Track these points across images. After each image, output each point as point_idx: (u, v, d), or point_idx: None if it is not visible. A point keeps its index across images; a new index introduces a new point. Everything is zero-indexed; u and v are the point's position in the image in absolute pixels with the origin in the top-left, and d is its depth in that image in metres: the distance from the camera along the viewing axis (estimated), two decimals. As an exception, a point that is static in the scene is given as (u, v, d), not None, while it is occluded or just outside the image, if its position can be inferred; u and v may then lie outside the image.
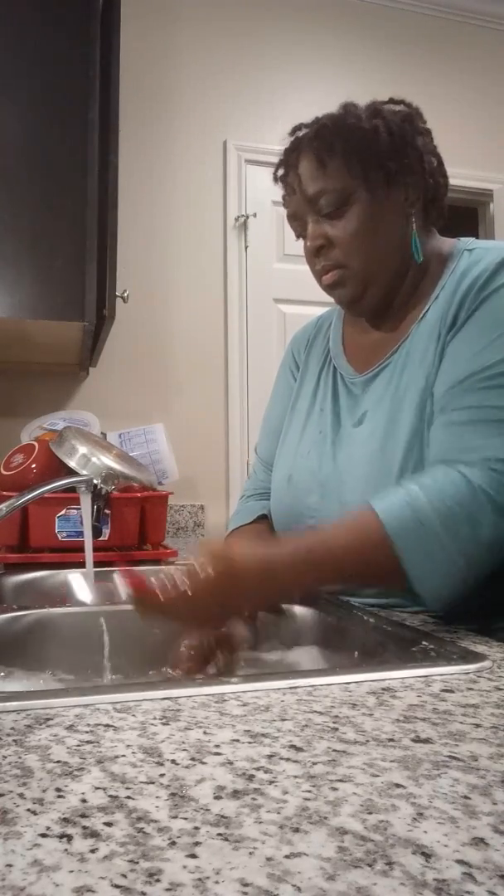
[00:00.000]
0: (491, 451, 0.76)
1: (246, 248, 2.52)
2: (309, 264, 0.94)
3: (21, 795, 0.38)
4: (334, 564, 0.77)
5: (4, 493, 1.41)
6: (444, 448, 0.80)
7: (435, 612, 0.81)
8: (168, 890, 0.29)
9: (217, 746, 0.45)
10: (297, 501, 0.96)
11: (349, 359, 1.00)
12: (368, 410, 0.92)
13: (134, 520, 1.55)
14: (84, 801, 0.37)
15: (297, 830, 0.34)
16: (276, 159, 0.96)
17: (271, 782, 0.39)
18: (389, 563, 0.74)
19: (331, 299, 0.96)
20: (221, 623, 0.79)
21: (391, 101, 0.92)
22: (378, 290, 0.91)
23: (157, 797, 0.38)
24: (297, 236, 0.94)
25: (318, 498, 0.92)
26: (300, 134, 0.91)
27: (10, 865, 0.31)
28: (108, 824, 0.35)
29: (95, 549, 1.28)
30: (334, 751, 0.44)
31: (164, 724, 0.49)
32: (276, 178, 0.95)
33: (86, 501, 1.28)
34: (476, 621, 0.81)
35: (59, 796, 0.38)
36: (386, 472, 0.85)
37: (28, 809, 0.36)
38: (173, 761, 0.42)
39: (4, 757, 0.43)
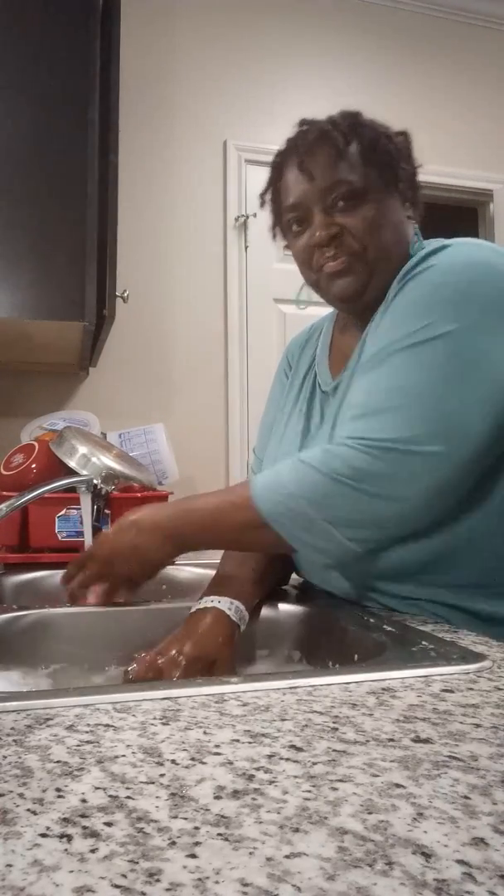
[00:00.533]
0: (350, 431, 0.80)
1: (246, 248, 2.52)
2: (308, 257, 0.90)
3: (21, 795, 0.38)
4: (202, 517, 0.86)
5: (4, 493, 1.41)
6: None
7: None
8: (168, 890, 0.29)
9: (217, 746, 0.45)
10: None
11: (331, 363, 1.00)
12: (330, 416, 0.93)
13: (134, 520, 1.54)
14: (84, 801, 0.37)
15: (297, 830, 0.34)
16: None
17: (271, 782, 0.39)
18: (251, 516, 0.81)
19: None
20: (140, 575, 0.92)
21: (371, 119, 0.93)
22: (377, 286, 0.89)
23: (157, 797, 0.38)
24: (296, 228, 0.91)
25: None
26: (306, 128, 0.90)
27: (10, 865, 0.31)
28: (108, 824, 0.35)
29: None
30: (334, 751, 0.44)
31: (164, 724, 0.49)
32: (276, 166, 0.92)
33: (86, 501, 1.28)
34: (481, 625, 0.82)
35: (59, 796, 0.38)
36: None
37: (28, 809, 0.36)
38: (173, 761, 0.42)
39: (4, 757, 0.43)
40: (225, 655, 0.81)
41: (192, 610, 0.86)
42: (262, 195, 0.96)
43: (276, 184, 0.93)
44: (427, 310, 0.78)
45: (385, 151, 0.87)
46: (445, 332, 0.76)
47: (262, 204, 0.96)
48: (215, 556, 1.06)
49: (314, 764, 0.42)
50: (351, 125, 0.87)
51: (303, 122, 0.91)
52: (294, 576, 1.08)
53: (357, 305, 0.92)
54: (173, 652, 0.78)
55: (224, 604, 0.85)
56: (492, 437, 0.77)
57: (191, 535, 0.88)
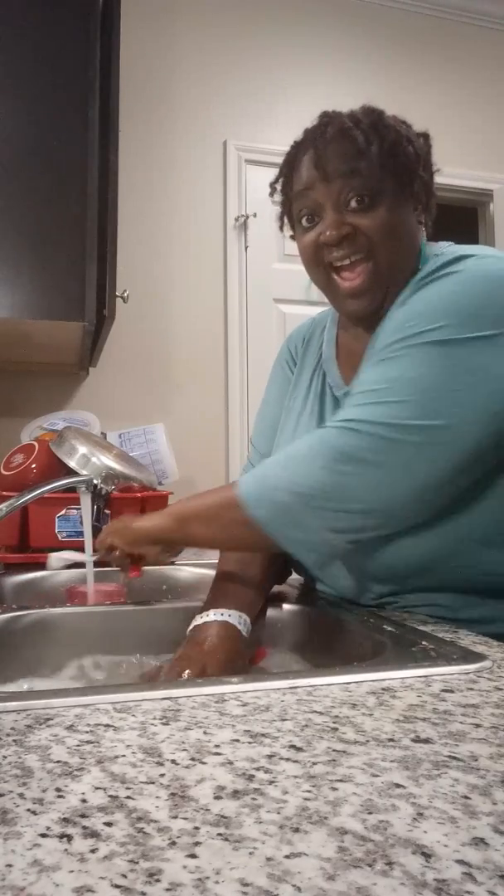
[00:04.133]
0: (349, 414, 0.80)
1: (246, 248, 2.52)
2: (315, 253, 0.88)
3: (21, 795, 0.38)
4: (193, 517, 0.88)
5: (4, 493, 1.41)
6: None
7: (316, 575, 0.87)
8: (168, 890, 0.29)
9: (217, 746, 0.45)
10: None
11: (340, 365, 0.99)
12: None
13: (134, 520, 1.54)
14: (84, 801, 0.37)
15: (297, 830, 0.34)
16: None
17: (271, 782, 0.39)
18: (238, 515, 0.81)
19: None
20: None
21: (395, 118, 0.91)
22: (393, 297, 0.88)
23: (157, 797, 0.38)
24: (305, 221, 0.88)
25: None
26: (326, 121, 0.87)
27: (10, 865, 0.31)
28: (108, 824, 0.35)
29: (95, 550, 1.28)
30: (334, 751, 0.44)
31: (164, 724, 0.49)
32: (292, 156, 0.90)
33: (86, 501, 1.28)
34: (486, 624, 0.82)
35: (59, 796, 0.38)
36: None
37: (28, 809, 0.36)
38: (173, 761, 0.42)
39: (4, 757, 0.43)
40: (238, 668, 0.81)
41: (199, 622, 0.84)
42: (273, 184, 0.94)
43: (289, 174, 0.91)
44: (442, 314, 0.78)
45: (404, 155, 0.85)
46: (455, 338, 0.76)
47: (272, 193, 0.94)
48: (215, 556, 1.06)
49: (314, 764, 0.42)
50: (373, 124, 0.85)
51: (324, 115, 0.89)
52: (294, 575, 1.08)
53: (372, 321, 0.91)
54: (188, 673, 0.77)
55: (234, 617, 0.84)
56: (487, 445, 0.77)
57: (187, 518, 0.89)
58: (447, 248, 0.89)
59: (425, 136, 0.91)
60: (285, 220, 0.95)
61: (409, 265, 0.88)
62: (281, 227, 0.97)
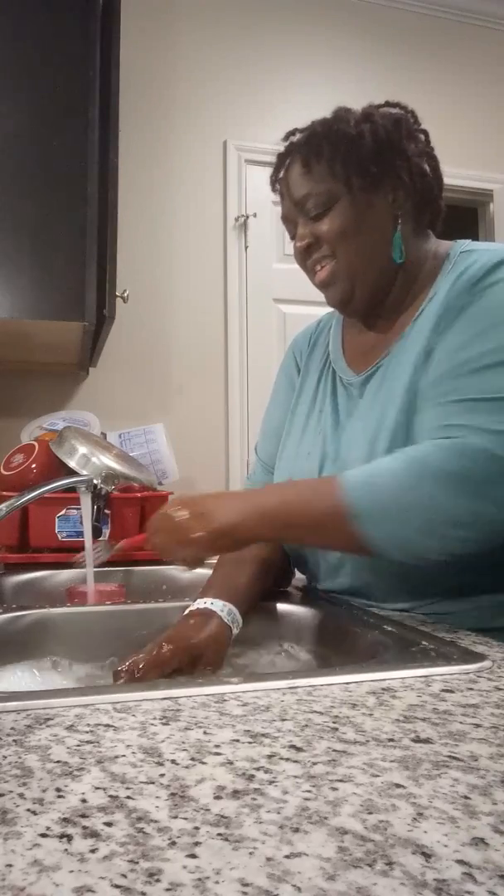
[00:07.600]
0: (476, 421, 0.76)
1: (246, 248, 2.52)
2: (300, 264, 0.97)
3: (21, 795, 0.38)
4: (286, 509, 0.80)
5: (4, 493, 1.41)
6: (427, 428, 0.81)
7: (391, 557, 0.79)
8: (168, 890, 0.29)
9: (217, 746, 0.45)
10: None
11: (348, 360, 1.01)
12: (362, 410, 0.93)
13: (134, 520, 1.55)
14: (84, 801, 0.37)
15: (297, 830, 0.34)
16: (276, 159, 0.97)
17: (271, 782, 0.39)
18: (338, 510, 0.76)
19: None
20: (195, 553, 0.83)
21: (387, 104, 0.94)
22: (365, 289, 0.93)
23: (157, 797, 0.38)
24: (291, 237, 0.98)
25: None
26: (293, 139, 0.95)
27: (10, 865, 0.31)
28: (108, 824, 0.35)
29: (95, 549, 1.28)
30: (334, 751, 0.44)
31: (164, 724, 0.49)
32: (275, 182, 0.98)
33: (86, 501, 1.28)
34: (478, 620, 0.82)
35: (59, 796, 0.38)
36: None
37: (28, 809, 0.36)
38: (173, 761, 0.42)
39: (4, 757, 0.43)
40: (212, 651, 0.80)
41: (185, 612, 0.86)
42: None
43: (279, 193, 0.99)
44: None
45: (354, 156, 0.88)
46: None
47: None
48: (215, 556, 1.06)
49: (314, 764, 0.42)
50: (325, 133, 0.90)
51: (288, 135, 0.96)
52: (297, 576, 1.08)
53: (352, 310, 0.97)
54: (160, 646, 0.77)
55: (217, 605, 0.85)
56: None
57: (272, 509, 0.80)
58: (464, 244, 0.93)
59: (396, 122, 0.92)
60: None
61: (378, 254, 0.92)
62: None
